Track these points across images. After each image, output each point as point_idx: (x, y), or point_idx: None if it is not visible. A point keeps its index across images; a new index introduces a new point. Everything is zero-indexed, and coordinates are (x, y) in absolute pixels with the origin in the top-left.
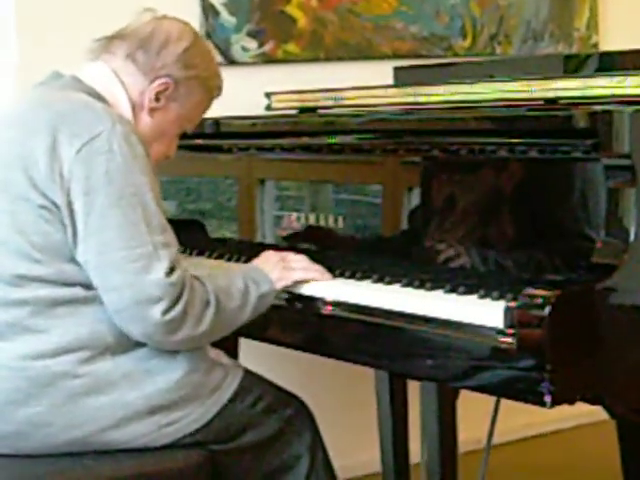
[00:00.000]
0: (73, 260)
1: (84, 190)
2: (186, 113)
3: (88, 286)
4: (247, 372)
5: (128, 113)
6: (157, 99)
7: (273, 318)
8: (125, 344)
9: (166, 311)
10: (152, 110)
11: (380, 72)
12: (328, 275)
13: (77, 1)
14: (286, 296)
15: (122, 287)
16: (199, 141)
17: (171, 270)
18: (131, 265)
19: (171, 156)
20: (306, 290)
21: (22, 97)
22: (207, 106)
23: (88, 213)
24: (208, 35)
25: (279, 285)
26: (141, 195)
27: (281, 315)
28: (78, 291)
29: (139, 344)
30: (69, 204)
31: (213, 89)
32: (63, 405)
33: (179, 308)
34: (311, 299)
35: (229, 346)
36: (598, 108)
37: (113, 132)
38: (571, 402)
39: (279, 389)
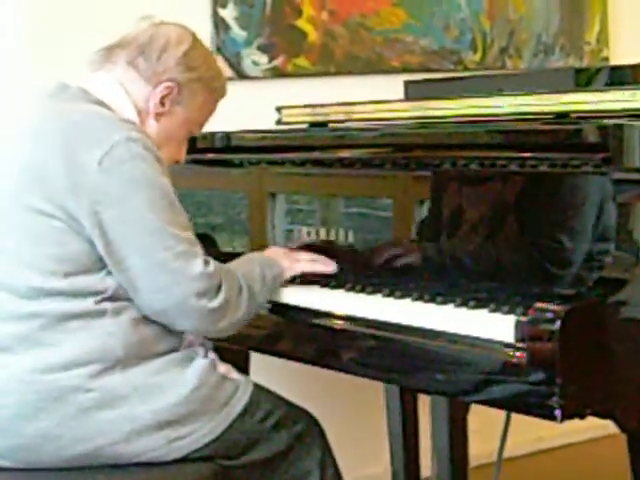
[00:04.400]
0: (88, 270)
1: (114, 200)
2: (191, 115)
3: (101, 298)
4: (257, 387)
5: (135, 121)
6: (162, 104)
7: (284, 332)
8: (135, 358)
9: (212, 300)
10: (158, 115)
11: (390, 86)
12: (333, 265)
13: (91, 12)
14: (297, 310)
15: (170, 286)
16: (210, 155)
17: (206, 262)
18: (174, 264)
19: (181, 160)
20: (317, 304)
21: (33, 109)
22: (212, 108)
23: (123, 222)
24: (219, 49)
25: (287, 274)
26: (168, 196)
27: (292, 329)
28: (90, 304)
29: (149, 358)
30: (95, 215)
31: (216, 90)
32: (73, 419)
33: (222, 296)
34: (322, 313)
35: (239, 361)
36: (609, 122)
37: (130, 139)
38: (582, 416)
39: (290, 404)
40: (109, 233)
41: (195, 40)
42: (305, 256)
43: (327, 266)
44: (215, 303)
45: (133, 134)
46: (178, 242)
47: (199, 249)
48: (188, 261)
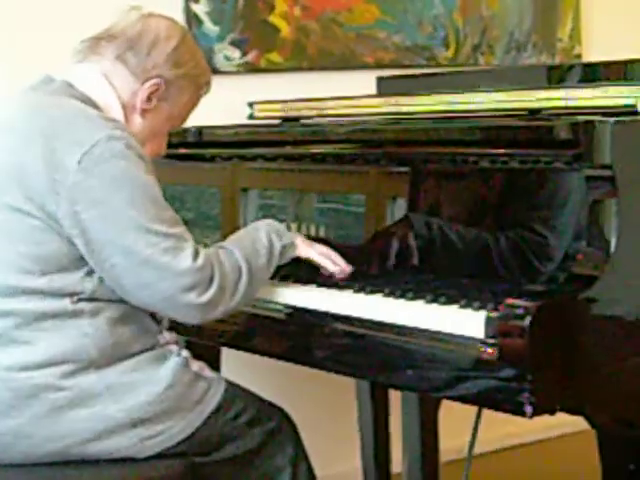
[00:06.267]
0: (66, 269)
1: (94, 199)
2: (177, 111)
3: (77, 298)
4: (230, 384)
5: (120, 116)
6: (149, 100)
7: (256, 328)
8: (109, 358)
9: (203, 293)
10: (144, 111)
11: (363, 82)
12: (346, 268)
13: (63, 8)
14: (269, 306)
15: (155, 282)
16: (182, 150)
17: (196, 255)
18: (159, 260)
19: (163, 154)
20: (288, 300)
21: (13, 102)
22: (196, 103)
23: (104, 221)
24: None
25: (300, 250)
26: (150, 193)
27: (264, 325)
28: (66, 304)
29: (123, 358)
30: (75, 214)
31: (203, 86)
32: (45, 417)
33: (215, 286)
34: (293, 309)
35: (211, 358)
36: (580, 119)
37: (112, 138)
38: (551, 412)
39: (262, 401)
40: (89, 233)
41: (184, 34)
42: (320, 247)
43: (337, 266)
44: (205, 297)
45: (116, 132)
46: (163, 238)
47: (188, 243)
48: (175, 256)
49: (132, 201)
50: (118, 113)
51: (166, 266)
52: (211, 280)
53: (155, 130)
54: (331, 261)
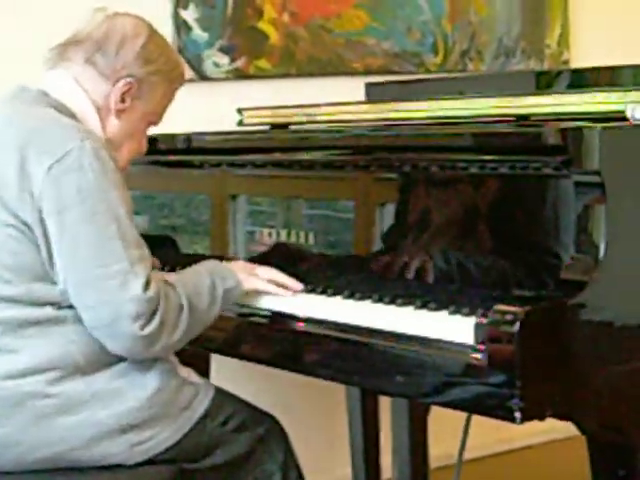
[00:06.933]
0: (43, 279)
1: (56, 209)
2: (152, 108)
3: (59, 306)
4: (219, 390)
5: (95, 120)
6: (122, 100)
7: (246, 334)
8: (96, 364)
9: (144, 326)
10: (119, 112)
11: (351, 88)
12: (292, 290)
13: (47, 11)
14: (258, 312)
15: (99, 305)
16: (171, 157)
17: (147, 285)
18: (108, 283)
19: (143, 152)
20: (278, 306)
21: None
22: (172, 97)
23: (62, 232)
24: (180, 51)
25: (244, 287)
26: (114, 210)
27: (253, 331)
28: (48, 311)
29: (109, 364)
30: (41, 222)
31: (176, 79)
32: (33, 425)
33: (156, 321)
34: (283, 315)
35: (200, 364)
36: (568, 125)
37: (83, 149)
38: (541, 418)
39: (251, 407)
40: (51, 242)
41: (151, 31)
42: (265, 273)
43: (285, 291)
44: (147, 330)
45: (87, 143)
46: (116, 260)
47: (143, 269)
48: (125, 281)
49: (92, 216)
50: (93, 117)
51: (112, 290)
52: (154, 314)
53: (132, 129)
54: (278, 285)
